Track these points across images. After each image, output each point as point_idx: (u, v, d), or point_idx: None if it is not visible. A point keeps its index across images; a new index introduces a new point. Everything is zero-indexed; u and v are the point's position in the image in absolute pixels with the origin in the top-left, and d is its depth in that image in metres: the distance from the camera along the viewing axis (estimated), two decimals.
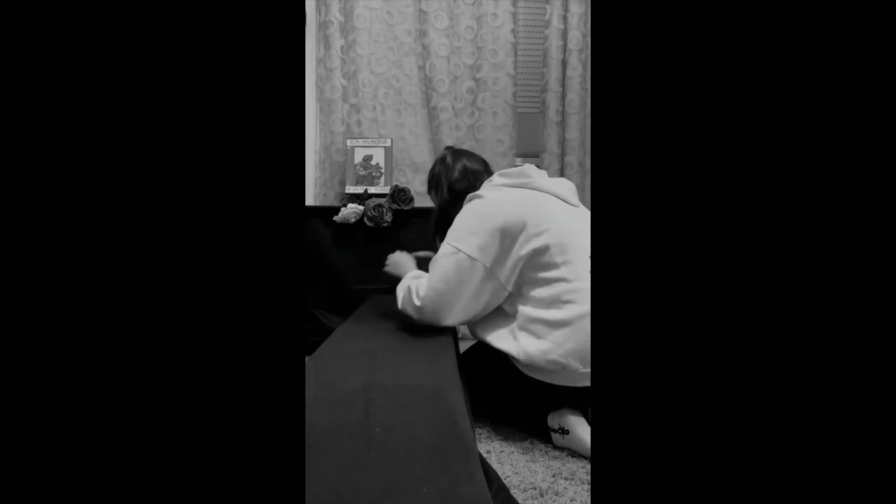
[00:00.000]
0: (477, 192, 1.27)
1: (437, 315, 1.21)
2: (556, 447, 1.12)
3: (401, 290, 1.28)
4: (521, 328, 1.13)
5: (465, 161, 1.40)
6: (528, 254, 1.13)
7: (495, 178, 1.31)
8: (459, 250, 1.17)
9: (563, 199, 1.24)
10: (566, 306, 1.09)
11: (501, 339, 1.17)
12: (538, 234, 1.13)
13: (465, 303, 1.18)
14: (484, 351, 1.26)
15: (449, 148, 1.49)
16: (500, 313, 1.22)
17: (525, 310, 1.14)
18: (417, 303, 1.22)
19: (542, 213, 1.17)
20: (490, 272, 1.16)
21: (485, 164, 1.43)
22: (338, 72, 2.22)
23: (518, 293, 1.17)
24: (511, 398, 1.21)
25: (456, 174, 1.38)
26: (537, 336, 1.10)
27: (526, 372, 1.14)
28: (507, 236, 1.15)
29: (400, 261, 1.46)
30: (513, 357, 1.14)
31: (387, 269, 1.47)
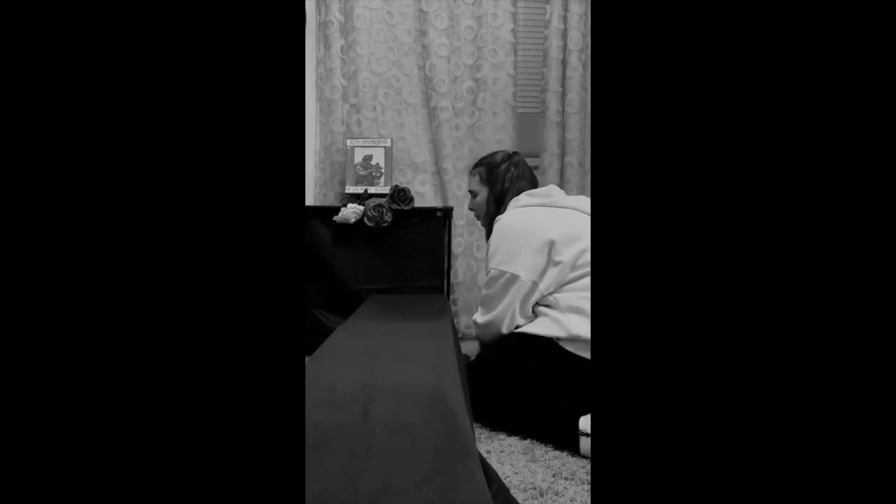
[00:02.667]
0: (503, 215, 1.39)
1: (492, 330, 1.35)
2: (556, 448, 1.11)
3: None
4: (565, 311, 1.24)
5: (513, 170, 1.47)
6: (572, 258, 1.26)
7: (522, 198, 1.40)
8: (504, 272, 1.30)
9: (584, 213, 1.36)
10: None
11: (543, 326, 1.26)
12: (573, 241, 1.28)
13: (518, 315, 1.31)
14: (513, 348, 1.31)
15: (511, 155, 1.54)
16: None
17: (566, 297, 1.25)
18: (477, 330, 1.40)
19: (571, 221, 1.31)
20: (535, 285, 1.28)
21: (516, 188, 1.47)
22: (338, 72, 2.22)
23: (557, 290, 1.28)
24: (543, 401, 1.19)
25: (507, 172, 1.46)
26: (584, 314, 1.20)
27: (573, 350, 1.20)
28: (542, 251, 1.27)
29: None
30: (557, 339, 1.22)
31: None
